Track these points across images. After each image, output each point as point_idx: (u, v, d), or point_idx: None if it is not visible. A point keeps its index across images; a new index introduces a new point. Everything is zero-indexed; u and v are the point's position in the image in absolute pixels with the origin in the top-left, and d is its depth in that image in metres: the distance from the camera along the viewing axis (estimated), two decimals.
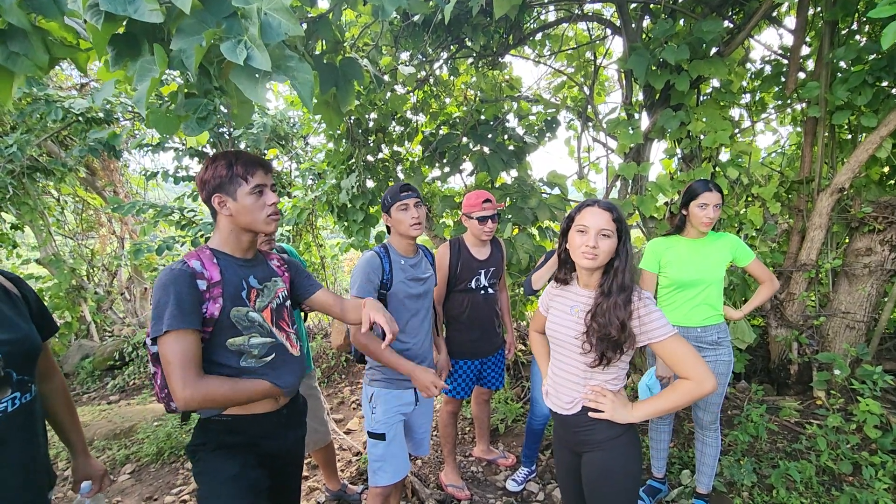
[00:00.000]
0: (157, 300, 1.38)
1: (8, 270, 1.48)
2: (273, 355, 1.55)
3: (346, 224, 4.04)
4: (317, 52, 2.56)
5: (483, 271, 2.73)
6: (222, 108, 5.21)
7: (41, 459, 1.40)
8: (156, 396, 1.57)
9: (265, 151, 5.73)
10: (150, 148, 5.49)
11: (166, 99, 1.65)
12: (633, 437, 1.64)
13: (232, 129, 5.07)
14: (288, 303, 1.70)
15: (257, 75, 1.35)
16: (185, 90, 1.55)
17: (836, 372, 2.87)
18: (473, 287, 2.72)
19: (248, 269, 1.56)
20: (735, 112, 4.14)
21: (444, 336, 2.75)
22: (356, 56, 2.40)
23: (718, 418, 2.55)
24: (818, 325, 3.36)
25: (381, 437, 2.10)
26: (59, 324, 6.45)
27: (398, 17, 3.13)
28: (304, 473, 3.33)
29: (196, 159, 5.28)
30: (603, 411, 1.59)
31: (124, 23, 1.43)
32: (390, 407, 2.13)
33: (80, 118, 4.55)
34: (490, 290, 2.78)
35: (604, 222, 1.52)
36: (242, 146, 5.94)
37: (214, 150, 5.72)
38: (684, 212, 2.44)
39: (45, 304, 5.76)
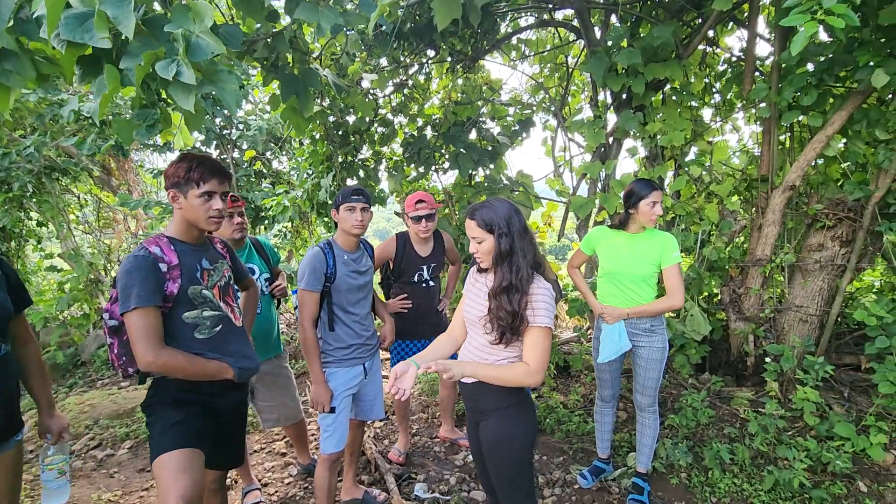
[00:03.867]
0: (123, 283, 1.59)
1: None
2: (220, 326, 1.81)
3: (325, 220, 4.32)
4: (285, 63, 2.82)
5: (425, 267, 2.96)
6: (225, 112, 5.55)
7: (13, 404, 1.69)
8: (112, 363, 1.79)
9: (264, 152, 6.04)
10: (157, 148, 5.86)
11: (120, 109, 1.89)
12: (524, 407, 1.80)
13: (231, 131, 5.39)
14: (232, 281, 1.98)
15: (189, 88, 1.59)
16: (141, 102, 1.81)
17: (768, 360, 2.98)
18: (416, 281, 2.96)
19: (201, 253, 1.82)
20: (707, 112, 4.25)
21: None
22: (316, 67, 2.64)
23: (656, 401, 2.71)
24: (765, 317, 3.46)
25: (332, 410, 2.35)
26: (77, 315, 6.90)
27: (365, 27, 3.35)
28: (283, 450, 3.61)
29: None
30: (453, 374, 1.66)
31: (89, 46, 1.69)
32: (340, 383, 2.38)
33: (90, 120, 4.92)
34: (431, 283, 3.01)
35: (472, 231, 1.70)
36: (245, 147, 6.28)
37: (218, 151, 6.05)
38: (631, 211, 2.57)
39: (65, 296, 6.16)
